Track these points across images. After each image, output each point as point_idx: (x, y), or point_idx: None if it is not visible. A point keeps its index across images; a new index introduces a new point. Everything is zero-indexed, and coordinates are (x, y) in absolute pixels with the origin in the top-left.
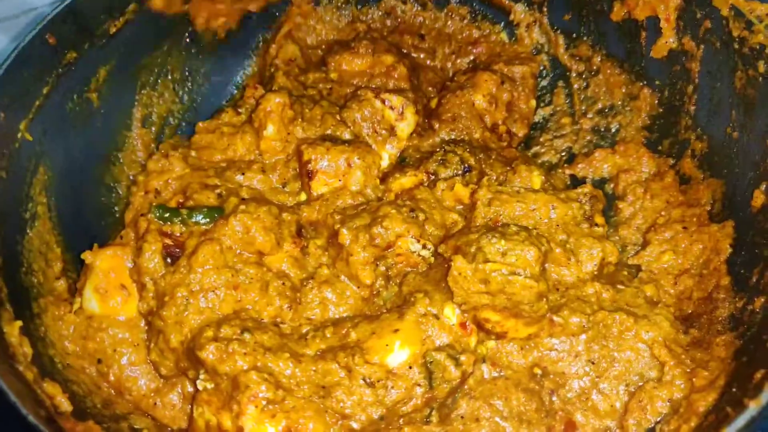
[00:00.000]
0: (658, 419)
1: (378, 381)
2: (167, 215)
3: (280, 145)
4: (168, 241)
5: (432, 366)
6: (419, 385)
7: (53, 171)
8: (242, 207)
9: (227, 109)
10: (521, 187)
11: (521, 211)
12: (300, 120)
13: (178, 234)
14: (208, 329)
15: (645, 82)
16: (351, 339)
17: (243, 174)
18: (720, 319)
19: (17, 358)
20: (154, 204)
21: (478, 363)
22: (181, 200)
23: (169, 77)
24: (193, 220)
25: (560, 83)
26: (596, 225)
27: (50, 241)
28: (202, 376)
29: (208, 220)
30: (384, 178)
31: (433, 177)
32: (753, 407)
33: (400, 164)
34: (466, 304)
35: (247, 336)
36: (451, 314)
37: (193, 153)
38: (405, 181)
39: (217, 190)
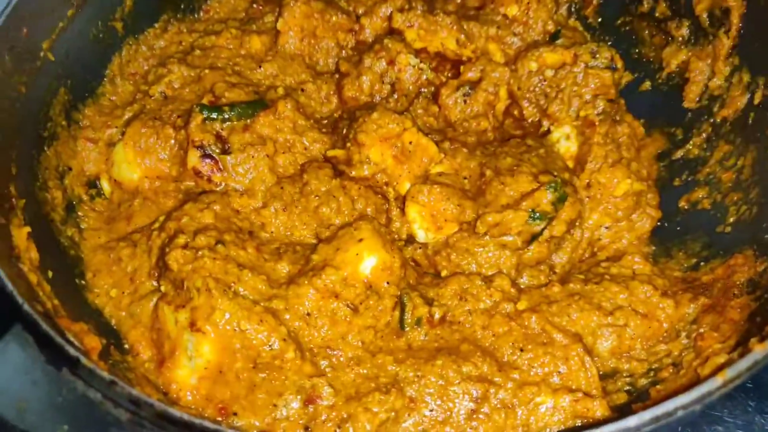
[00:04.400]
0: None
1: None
2: (212, 115)
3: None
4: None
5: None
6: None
7: (73, 94)
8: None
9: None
10: None
11: None
12: None
13: (220, 129)
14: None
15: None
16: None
17: (260, 66)
18: (737, 283)
19: (21, 260)
20: (195, 105)
21: None
22: (212, 99)
23: (195, 15)
24: (235, 113)
25: None
26: None
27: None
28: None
29: (250, 112)
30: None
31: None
32: (759, 350)
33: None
34: None
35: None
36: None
37: (197, 52)
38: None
39: (250, 87)
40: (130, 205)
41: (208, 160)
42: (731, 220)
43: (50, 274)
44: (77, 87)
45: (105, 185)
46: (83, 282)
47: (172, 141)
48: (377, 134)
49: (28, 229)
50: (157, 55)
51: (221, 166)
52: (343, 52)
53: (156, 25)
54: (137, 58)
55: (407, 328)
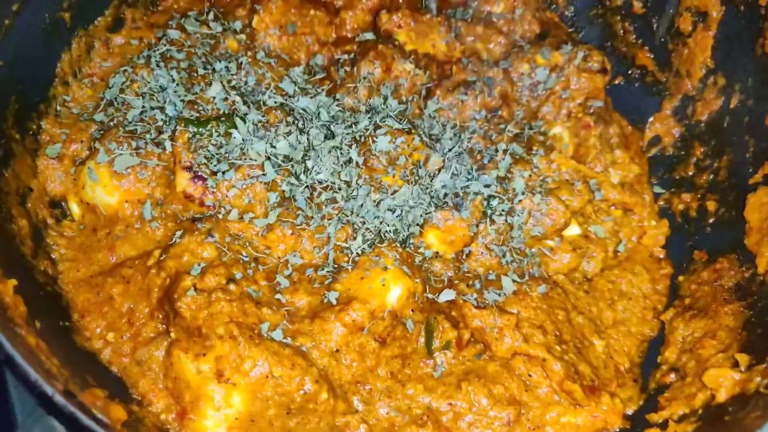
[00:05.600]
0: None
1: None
2: (199, 130)
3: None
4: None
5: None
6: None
7: (24, 101)
8: None
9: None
10: None
11: None
12: None
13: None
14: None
15: None
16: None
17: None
18: (726, 287)
19: (15, 321)
20: (179, 119)
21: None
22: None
23: (151, 6)
24: (223, 126)
25: None
26: None
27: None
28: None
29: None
30: None
31: None
32: None
33: None
34: None
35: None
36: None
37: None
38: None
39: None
40: (109, 233)
41: (199, 182)
42: (711, 221)
43: (38, 324)
44: (28, 93)
45: (74, 208)
46: (68, 324)
47: (154, 160)
48: (387, 158)
49: (14, 282)
50: (116, 54)
51: (213, 188)
52: (324, 50)
53: (106, 13)
54: (93, 56)
55: (435, 353)
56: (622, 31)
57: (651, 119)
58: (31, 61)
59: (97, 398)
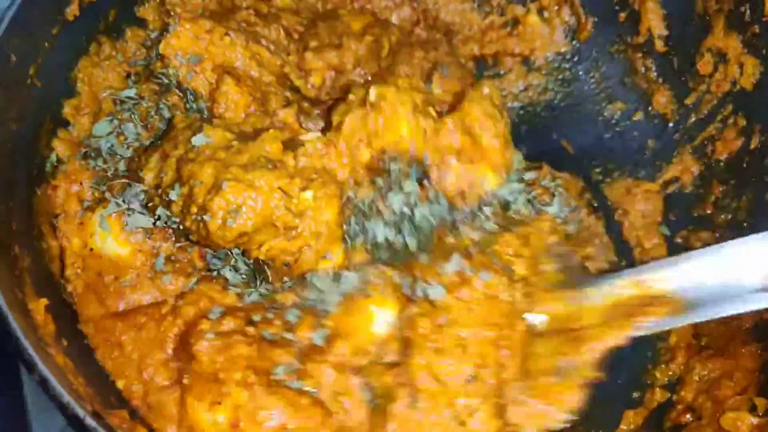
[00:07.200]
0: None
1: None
2: None
3: None
4: None
5: None
6: None
7: (56, 122)
8: None
9: None
10: None
11: None
12: None
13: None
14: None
15: None
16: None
17: None
18: (743, 328)
19: (46, 341)
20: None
21: None
22: None
23: None
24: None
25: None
26: None
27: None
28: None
29: None
30: None
31: None
32: None
33: None
34: None
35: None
36: None
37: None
38: None
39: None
40: (116, 278)
41: None
42: None
43: (64, 342)
44: (59, 114)
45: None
46: (88, 342)
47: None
48: None
49: (45, 301)
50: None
51: None
52: None
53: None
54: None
55: None
56: (643, 69)
57: (670, 156)
58: (65, 82)
59: (123, 420)
